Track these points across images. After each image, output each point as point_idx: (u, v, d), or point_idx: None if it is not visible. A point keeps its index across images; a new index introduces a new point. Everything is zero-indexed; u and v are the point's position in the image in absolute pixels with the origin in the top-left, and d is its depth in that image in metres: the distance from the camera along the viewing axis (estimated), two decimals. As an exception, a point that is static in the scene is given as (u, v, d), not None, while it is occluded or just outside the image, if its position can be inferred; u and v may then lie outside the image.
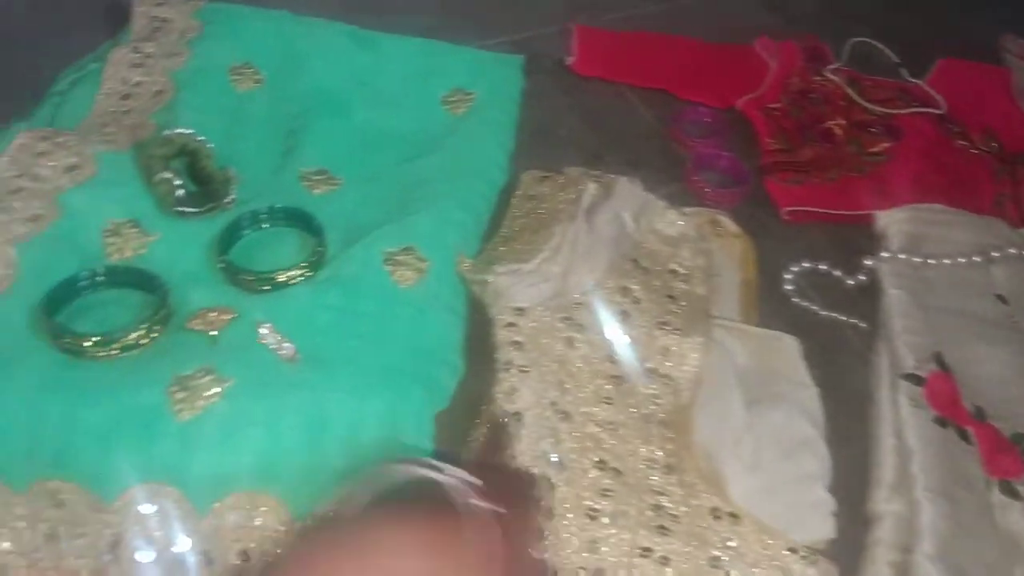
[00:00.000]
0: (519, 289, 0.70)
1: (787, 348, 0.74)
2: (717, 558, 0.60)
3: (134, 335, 0.60)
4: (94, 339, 0.59)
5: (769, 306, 0.79)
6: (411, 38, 0.93)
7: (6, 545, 0.53)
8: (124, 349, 0.60)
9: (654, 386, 0.70)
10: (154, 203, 0.70)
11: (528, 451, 0.62)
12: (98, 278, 0.64)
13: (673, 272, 0.78)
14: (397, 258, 0.69)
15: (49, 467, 0.54)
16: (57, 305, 0.61)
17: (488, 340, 0.70)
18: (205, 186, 0.71)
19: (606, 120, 0.96)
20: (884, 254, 0.82)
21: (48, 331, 0.59)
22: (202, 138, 0.74)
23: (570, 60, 1.00)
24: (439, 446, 0.62)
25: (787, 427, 0.68)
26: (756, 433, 0.67)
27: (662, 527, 0.61)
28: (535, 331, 0.68)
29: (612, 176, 0.83)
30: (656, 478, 0.64)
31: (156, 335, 0.61)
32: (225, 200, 0.71)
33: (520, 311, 0.69)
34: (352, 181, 0.79)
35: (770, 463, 0.66)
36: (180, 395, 0.56)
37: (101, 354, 0.59)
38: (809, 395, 0.71)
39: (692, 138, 0.94)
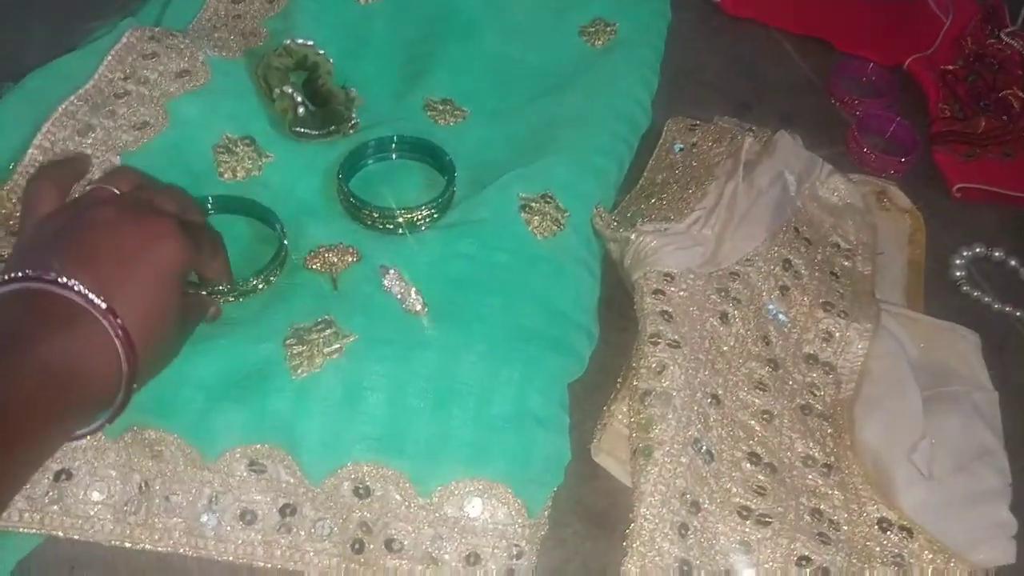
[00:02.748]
0: (667, 252, 0.61)
1: (965, 343, 0.65)
2: (884, 577, 0.52)
3: (253, 282, 0.53)
4: (206, 289, 0.52)
5: (934, 293, 0.70)
6: (547, -40, 0.83)
7: (96, 495, 0.48)
8: (241, 295, 0.53)
9: (813, 374, 0.61)
10: (270, 120, 0.62)
11: (675, 437, 0.54)
12: (208, 207, 0.57)
13: (835, 246, 0.69)
14: (533, 205, 0.61)
15: (148, 415, 0.47)
16: None
17: (617, 305, 0.63)
18: (325, 106, 0.64)
19: (757, 67, 0.86)
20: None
21: None
22: (323, 52, 0.66)
23: (719, -3, 0.90)
24: (573, 419, 0.55)
25: (965, 434, 0.60)
26: (930, 439, 0.58)
27: (822, 535, 0.53)
28: (685, 301, 0.60)
29: (766, 131, 0.74)
30: (815, 478, 0.56)
31: (274, 279, 0.54)
32: (348, 124, 0.63)
33: (669, 277, 0.60)
34: (479, 114, 0.71)
35: (946, 474, 0.57)
36: (298, 349, 0.49)
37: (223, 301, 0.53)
38: (988, 399, 0.63)
39: (854, 96, 0.83)
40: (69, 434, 0.41)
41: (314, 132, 0.62)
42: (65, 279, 0.39)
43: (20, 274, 0.39)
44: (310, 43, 0.66)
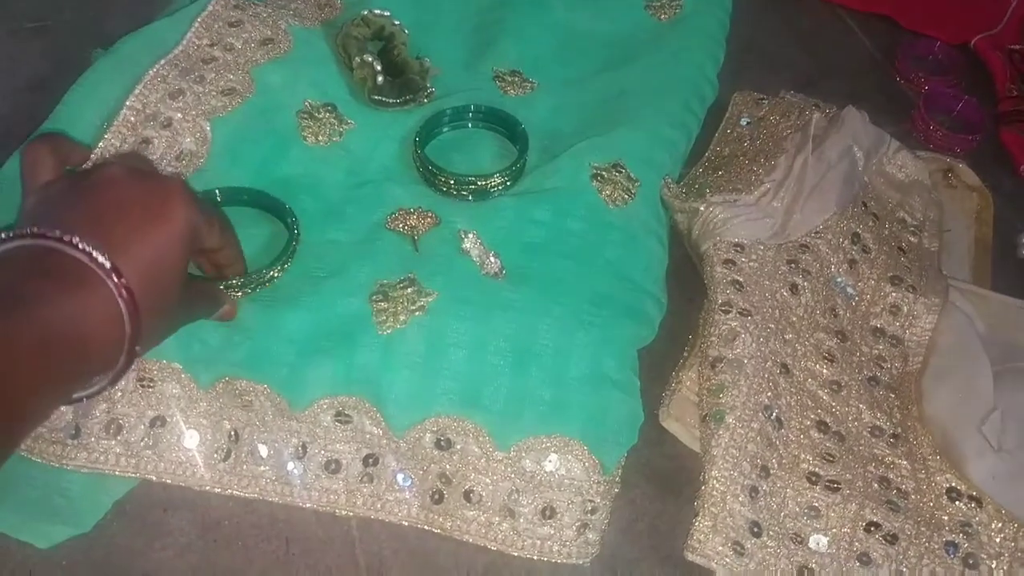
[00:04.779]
0: (736, 223, 0.62)
1: (1033, 320, 0.65)
2: (953, 543, 0.53)
3: (269, 272, 0.53)
4: (222, 283, 0.51)
5: (1001, 272, 0.70)
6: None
7: (188, 442, 0.49)
8: (256, 287, 0.52)
9: (880, 347, 0.62)
10: (350, 88, 0.63)
11: (746, 402, 0.54)
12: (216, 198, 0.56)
13: (902, 222, 0.69)
14: (604, 174, 0.61)
15: (238, 367, 0.49)
16: None
17: (684, 275, 0.64)
18: (400, 76, 0.65)
19: (820, 43, 0.86)
20: None
21: None
22: (398, 23, 0.67)
23: (783, -27, 0.89)
24: (643, 383, 0.56)
25: (1034, 409, 0.59)
26: (1000, 410, 0.58)
27: (890, 502, 0.54)
28: (756, 271, 0.60)
29: (833, 107, 0.74)
30: (883, 448, 0.57)
31: (287, 267, 0.54)
32: (423, 93, 0.64)
33: (739, 247, 0.61)
34: (547, 85, 0.72)
35: (1016, 447, 0.57)
36: (383, 305, 0.51)
37: (238, 294, 0.52)
38: (1056, 376, 0.62)
39: (920, 74, 0.83)
40: (67, 396, 0.38)
41: (392, 100, 0.63)
42: (70, 237, 0.37)
43: (25, 231, 0.37)
44: (387, 14, 0.67)
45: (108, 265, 0.37)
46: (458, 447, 0.50)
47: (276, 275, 0.53)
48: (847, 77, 0.83)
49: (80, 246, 0.37)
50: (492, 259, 0.55)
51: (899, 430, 0.58)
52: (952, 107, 0.80)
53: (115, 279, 0.37)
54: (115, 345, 0.38)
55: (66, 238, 0.37)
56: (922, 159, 0.73)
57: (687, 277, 0.64)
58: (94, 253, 0.37)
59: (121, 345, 0.38)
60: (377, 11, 0.67)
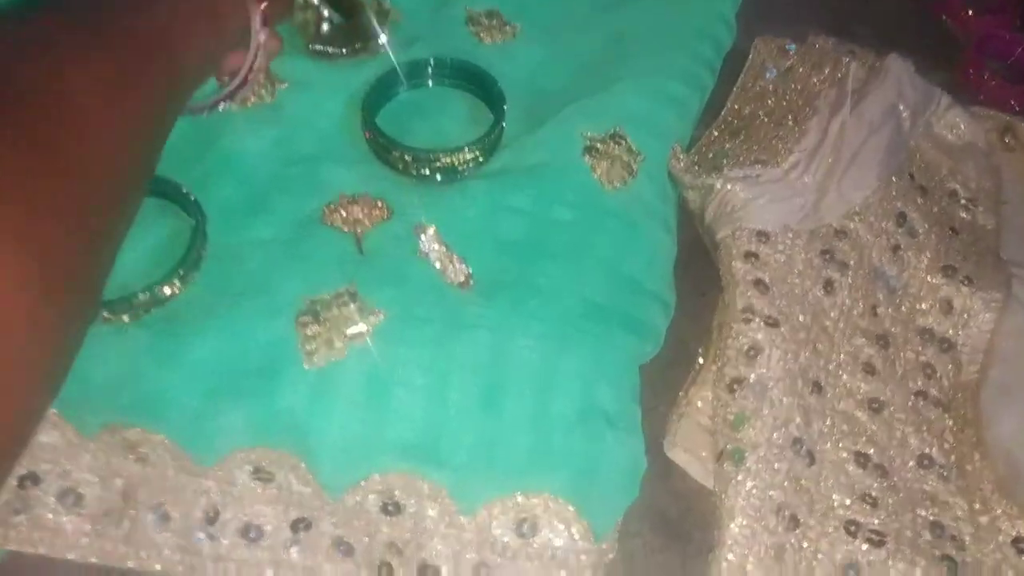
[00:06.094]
0: (760, 205, 0.51)
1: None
2: (1021, 611, 0.43)
3: (166, 289, 0.42)
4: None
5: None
6: None
7: (69, 504, 0.39)
8: (148, 308, 0.42)
9: (928, 352, 0.51)
10: (288, 33, 0.51)
11: (771, 438, 0.44)
12: None
13: (953, 194, 0.58)
14: (600, 147, 0.50)
15: (128, 412, 0.38)
16: None
17: (695, 264, 0.53)
18: (350, 19, 0.53)
19: (854, -23, 0.73)
20: None
21: None
22: None
23: None
24: (643, 405, 0.45)
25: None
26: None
27: (946, 557, 0.44)
28: (783, 267, 0.49)
29: (870, 53, 0.62)
30: (933, 482, 0.47)
31: (191, 280, 0.43)
32: (376, 41, 0.52)
33: (763, 236, 0.50)
34: (531, 30, 0.60)
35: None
36: (314, 329, 0.40)
37: (117, 319, 0.41)
38: None
39: (970, 10, 0.70)
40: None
41: (337, 51, 0.51)
42: None
43: None
44: None
45: None
46: (410, 511, 0.39)
47: (175, 291, 0.41)
48: (885, 15, 0.71)
49: None
50: (457, 264, 0.43)
51: (953, 459, 0.48)
52: (1008, 52, 0.68)
53: None
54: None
55: None
56: (977, 116, 0.61)
57: (700, 265, 0.54)
58: None
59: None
60: None
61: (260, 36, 0.45)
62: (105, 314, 0.40)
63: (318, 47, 0.52)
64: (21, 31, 0.31)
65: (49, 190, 0.28)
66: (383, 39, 0.53)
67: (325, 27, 0.52)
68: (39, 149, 0.28)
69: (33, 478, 0.39)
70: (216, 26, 0.41)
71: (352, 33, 0.53)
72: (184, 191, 0.44)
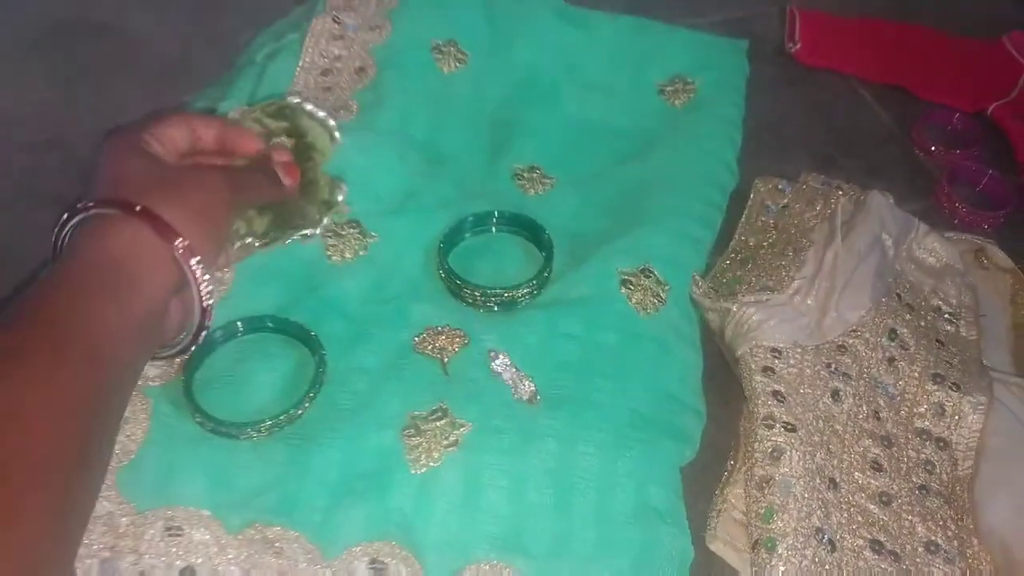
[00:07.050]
0: (771, 325, 0.60)
1: (1085, 413, 0.62)
2: None
3: (298, 411, 0.50)
4: (236, 422, 0.49)
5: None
6: (622, 16, 0.82)
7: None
8: (283, 426, 0.50)
9: (927, 450, 0.59)
10: (376, 199, 0.61)
11: (797, 528, 0.52)
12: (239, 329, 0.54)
13: (937, 310, 0.66)
14: (633, 280, 0.59)
15: (271, 513, 0.46)
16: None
17: (719, 376, 0.61)
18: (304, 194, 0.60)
19: (837, 118, 0.84)
20: None
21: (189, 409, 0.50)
22: (333, 122, 0.62)
23: (794, 48, 0.88)
24: (685, 499, 0.53)
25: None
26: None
27: (954, 637, 0.51)
28: (796, 378, 0.58)
29: (855, 187, 0.72)
30: (939, 567, 0.54)
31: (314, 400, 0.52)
32: (308, 225, 0.59)
33: (776, 352, 0.59)
34: (566, 181, 0.70)
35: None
36: (415, 440, 0.48)
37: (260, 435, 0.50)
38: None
39: (941, 147, 0.81)
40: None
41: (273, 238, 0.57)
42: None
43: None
44: (321, 114, 0.62)
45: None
46: (500, 597, 0.46)
47: (304, 411, 0.50)
48: (866, 151, 0.81)
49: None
50: (526, 383, 0.52)
51: (956, 544, 0.55)
52: (976, 181, 0.78)
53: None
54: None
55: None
56: (952, 241, 0.70)
57: (723, 377, 0.61)
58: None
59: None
60: (309, 107, 0.62)
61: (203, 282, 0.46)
62: (250, 431, 0.48)
63: (248, 240, 0.56)
64: None
65: None
66: (316, 232, 0.58)
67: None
68: None
69: (191, 571, 0.46)
70: (130, 299, 0.42)
71: (290, 215, 0.58)
72: (306, 329, 0.53)
